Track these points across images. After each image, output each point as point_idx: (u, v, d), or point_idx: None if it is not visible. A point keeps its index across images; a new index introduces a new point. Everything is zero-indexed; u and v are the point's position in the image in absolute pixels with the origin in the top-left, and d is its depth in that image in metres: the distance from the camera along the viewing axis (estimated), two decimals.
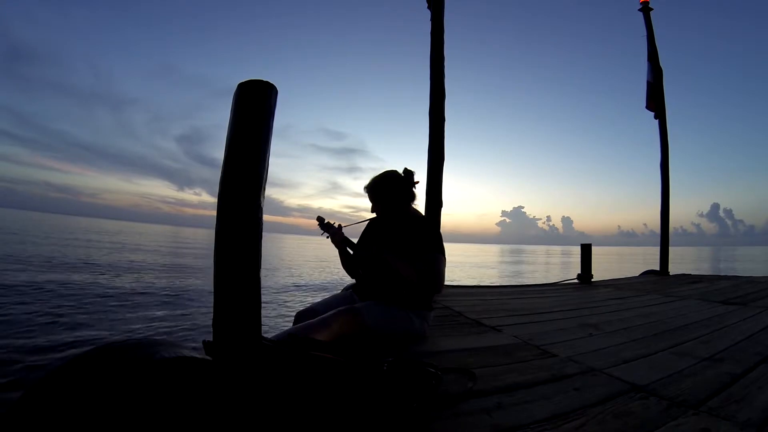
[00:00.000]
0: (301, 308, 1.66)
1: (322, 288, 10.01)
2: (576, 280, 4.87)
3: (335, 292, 1.99)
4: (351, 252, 1.85)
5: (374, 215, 1.82)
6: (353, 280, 1.91)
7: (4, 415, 0.65)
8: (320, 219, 1.88)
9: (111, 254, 15.15)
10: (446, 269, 1.66)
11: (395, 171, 1.71)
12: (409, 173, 1.70)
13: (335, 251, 1.87)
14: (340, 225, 1.88)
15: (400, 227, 1.69)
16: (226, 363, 0.87)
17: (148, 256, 16.21)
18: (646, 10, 6.76)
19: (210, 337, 0.91)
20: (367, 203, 1.75)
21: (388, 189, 1.67)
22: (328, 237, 1.87)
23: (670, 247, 6.48)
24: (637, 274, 6.58)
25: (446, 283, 3.81)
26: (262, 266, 0.93)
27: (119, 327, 4.80)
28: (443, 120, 3.77)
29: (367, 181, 1.72)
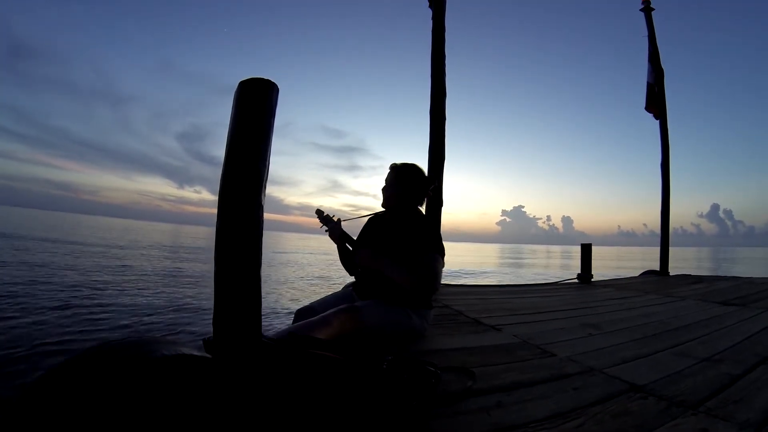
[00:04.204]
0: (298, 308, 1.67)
1: None
2: (576, 280, 4.88)
3: (335, 291, 1.99)
4: (349, 248, 1.85)
5: (374, 212, 1.82)
6: (353, 279, 1.91)
7: (2, 415, 0.65)
8: (319, 212, 1.89)
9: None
10: (448, 267, 1.66)
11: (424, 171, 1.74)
12: (432, 179, 1.73)
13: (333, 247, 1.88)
14: (339, 219, 1.88)
15: (401, 224, 1.69)
16: (226, 361, 0.87)
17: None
18: (647, 10, 6.75)
19: (210, 335, 0.92)
20: (367, 201, 1.75)
21: (413, 179, 1.69)
22: (327, 231, 1.87)
23: (670, 248, 6.49)
24: (637, 274, 6.58)
25: (446, 281, 3.83)
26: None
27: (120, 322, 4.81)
28: (444, 119, 3.77)
29: (394, 163, 1.73)
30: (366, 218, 1.91)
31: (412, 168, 1.70)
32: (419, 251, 1.57)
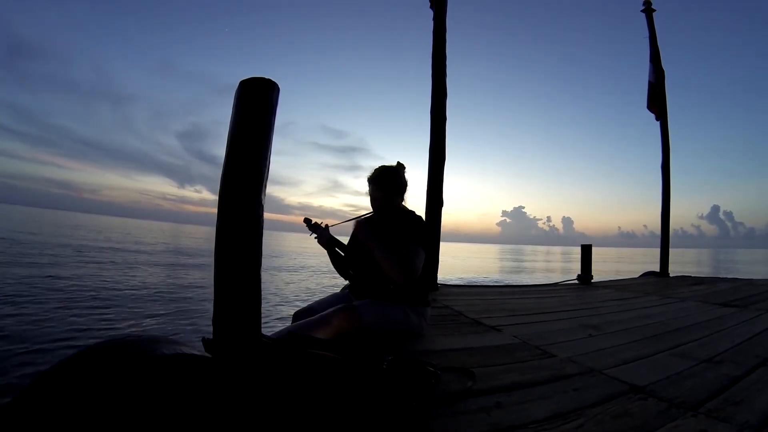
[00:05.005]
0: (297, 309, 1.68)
1: None
2: (576, 281, 4.87)
3: (334, 292, 1.99)
4: (339, 252, 1.86)
5: (362, 214, 1.83)
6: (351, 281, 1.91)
7: (2, 412, 0.65)
8: (307, 220, 1.90)
9: None
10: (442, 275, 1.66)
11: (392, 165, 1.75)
12: (401, 165, 1.75)
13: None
14: (326, 225, 1.89)
15: (389, 223, 1.70)
16: (226, 361, 0.87)
17: None
18: (648, 11, 6.74)
19: (210, 335, 0.92)
20: (368, 202, 1.75)
21: (388, 177, 1.70)
22: (316, 238, 1.88)
23: (670, 249, 6.48)
24: (637, 276, 6.58)
25: (446, 282, 3.83)
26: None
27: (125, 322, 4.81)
28: (445, 119, 3.77)
29: (368, 175, 1.74)
30: (354, 221, 1.92)
31: (382, 169, 1.72)
32: (402, 241, 1.57)
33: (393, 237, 1.64)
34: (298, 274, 13.28)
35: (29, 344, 3.62)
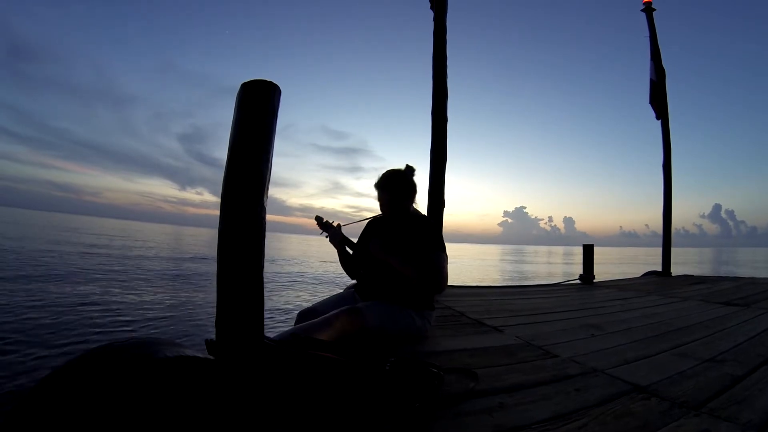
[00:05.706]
0: (302, 309, 1.68)
1: None
2: (578, 281, 4.86)
3: (337, 292, 1.99)
4: (350, 251, 1.85)
5: (374, 215, 1.82)
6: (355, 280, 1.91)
7: (9, 413, 0.65)
8: (319, 218, 1.89)
9: None
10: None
11: (400, 168, 1.75)
12: (410, 168, 1.75)
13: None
14: (339, 224, 1.88)
15: (402, 226, 1.70)
16: (229, 362, 0.87)
17: None
18: (648, 10, 6.74)
19: (213, 337, 0.92)
20: (369, 203, 1.76)
21: (397, 181, 1.70)
22: (327, 236, 1.87)
23: (672, 248, 6.46)
24: (639, 275, 6.56)
25: (448, 283, 3.82)
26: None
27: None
28: (446, 120, 3.77)
29: (375, 180, 1.74)
30: (366, 221, 1.92)
31: (390, 174, 1.71)
32: (424, 251, 1.58)
33: (406, 241, 1.64)
34: (300, 277, 13.28)
35: (38, 348, 3.65)
